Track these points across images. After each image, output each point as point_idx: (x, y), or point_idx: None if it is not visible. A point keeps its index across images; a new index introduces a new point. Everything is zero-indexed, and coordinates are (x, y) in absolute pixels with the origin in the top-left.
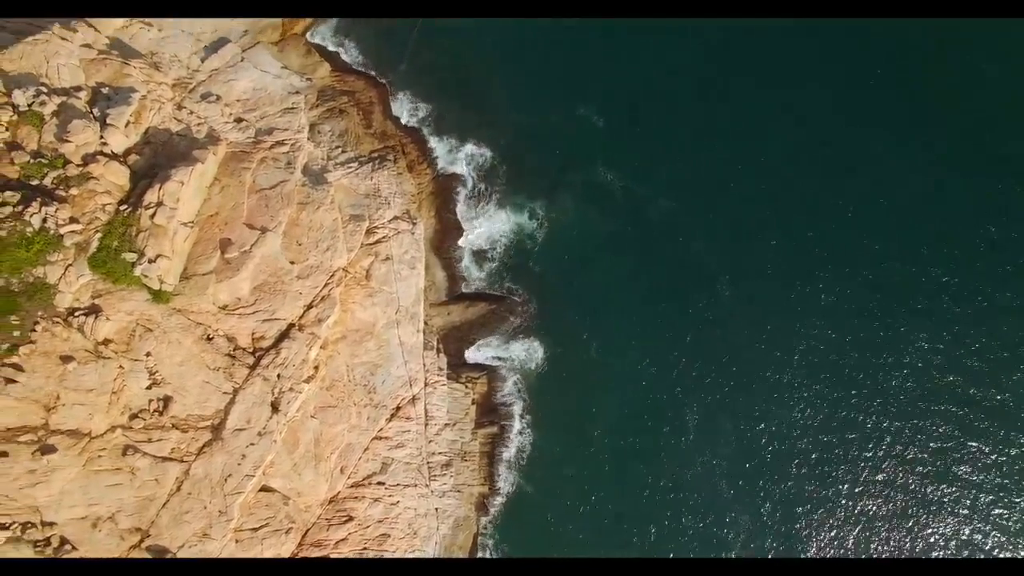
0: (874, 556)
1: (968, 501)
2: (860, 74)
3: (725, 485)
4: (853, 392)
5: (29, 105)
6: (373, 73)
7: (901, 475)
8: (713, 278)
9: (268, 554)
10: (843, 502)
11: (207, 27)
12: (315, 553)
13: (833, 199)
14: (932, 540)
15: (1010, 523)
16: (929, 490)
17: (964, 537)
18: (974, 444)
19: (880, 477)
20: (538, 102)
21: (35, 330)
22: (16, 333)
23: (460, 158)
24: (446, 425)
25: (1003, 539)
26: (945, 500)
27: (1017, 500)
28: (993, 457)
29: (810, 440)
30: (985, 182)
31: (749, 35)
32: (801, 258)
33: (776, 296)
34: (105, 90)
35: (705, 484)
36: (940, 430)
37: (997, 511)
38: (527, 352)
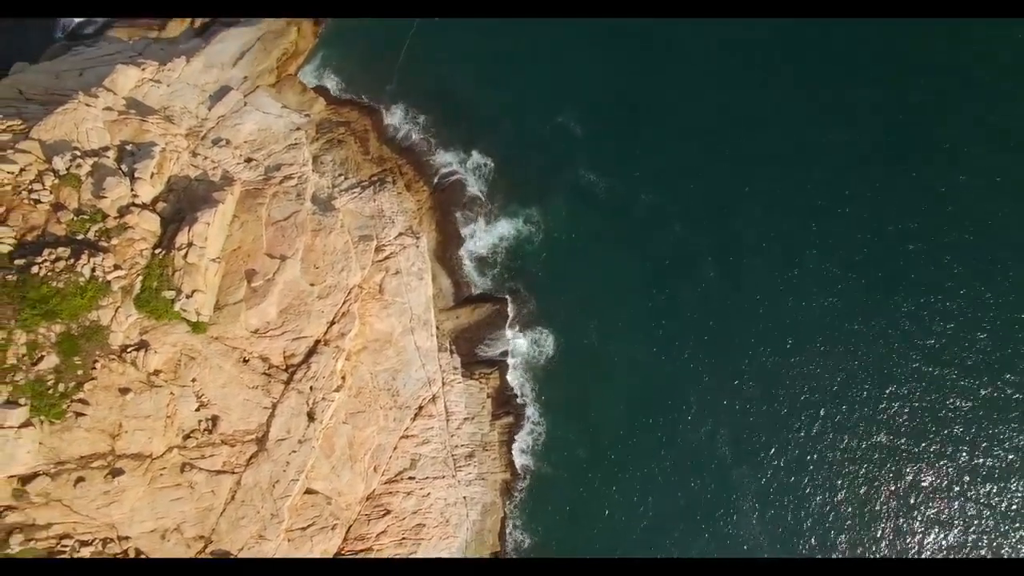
0: (872, 522)
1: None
2: (826, 65)
3: (727, 451)
4: (846, 362)
5: (67, 169)
6: (365, 100)
7: (904, 443)
8: (698, 260)
9: (317, 550)
10: (843, 470)
11: (210, 78)
12: (359, 546)
13: (803, 179)
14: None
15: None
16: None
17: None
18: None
19: (881, 439)
20: (519, 114)
21: (95, 367)
22: (79, 372)
23: (453, 172)
24: (466, 419)
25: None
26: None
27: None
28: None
29: (807, 404)
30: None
31: (702, 36)
32: (780, 233)
33: (759, 273)
34: (129, 147)
35: (707, 453)
36: (933, 396)
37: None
38: (533, 345)
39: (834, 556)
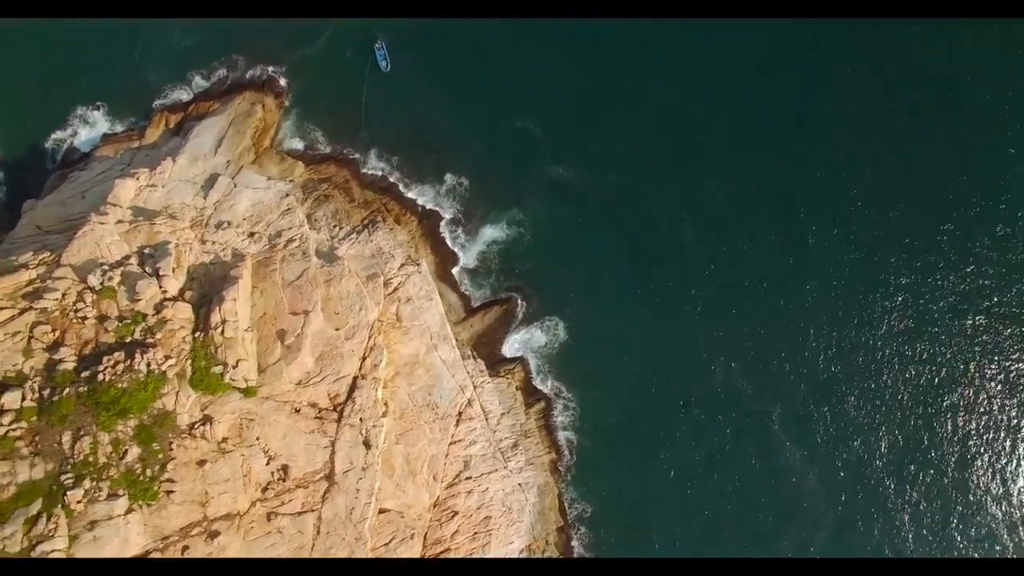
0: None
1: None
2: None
3: (745, 384)
4: (826, 288)
5: (101, 283)
6: (339, 153)
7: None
8: (674, 222)
9: None
10: (846, 410)
11: (198, 171)
12: (438, 549)
13: (754, 136)
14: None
15: None
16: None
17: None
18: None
19: (884, 381)
20: (480, 129)
21: (172, 448)
22: (160, 455)
23: (434, 197)
24: (503, 414)
25: None
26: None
27: None
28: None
29: (805, 330)
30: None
31: (636, 30)
32: (741, 189)
33: (731, 224)
34: (147, 250)
35: (726, 389)
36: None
37: None
38: (546, 333)
39: (845, 459)
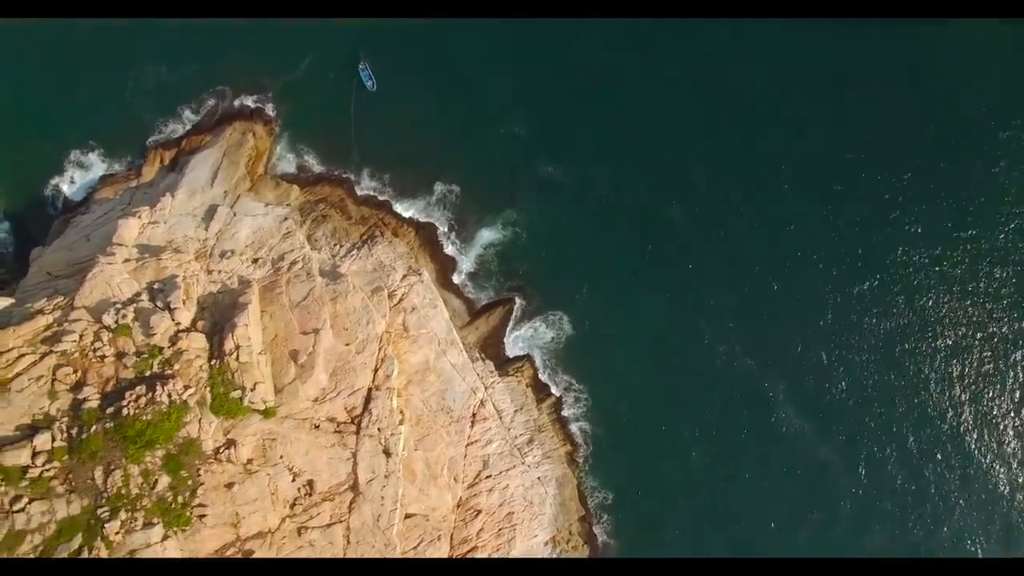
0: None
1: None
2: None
3: (750, 362)
4: (815, 255)
5: (116, 322)
6: (331, 172)
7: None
8: (662, 208)
9: None
10: (848, 381)
11: (196, 203)
12: (464, 548)
13: (733, 121)
14: None
15: None
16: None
17: None
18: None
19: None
20: (466, 137)
21: (200, 474)
22: (189, 482)
23: (428, 207)
24: (516, 411)
25: None
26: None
27: None
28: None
29: (798, 301)
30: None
31: (609, 29)
32: (723, 169)
33: (717, 204)
34: (156, 285)
35: (732, 373)
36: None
37: None
38: (551, 328)
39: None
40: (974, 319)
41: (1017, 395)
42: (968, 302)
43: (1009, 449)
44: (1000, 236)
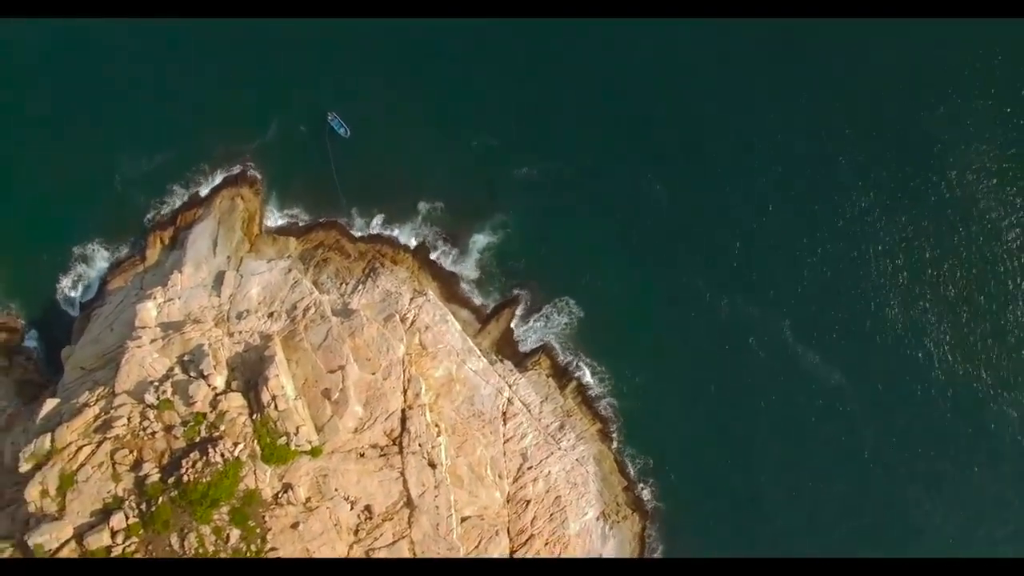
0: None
1: None
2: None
3: (754, 312)
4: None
5: (157, 399)
6: (323, 218)
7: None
8: (643, 187)
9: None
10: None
11: (204, 274)
12: (523, 537)
13: (698, 97)
14: None
15: None
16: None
17: None
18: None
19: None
20: (441, 158)
21: (266, 521)
22: (258, 530)
23: (419, 230)
24: (542, 402)
25: None
26: None
27: None
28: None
29: (790, 257)
30: None
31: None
32: (690, 140)
33: (695, 178)
34: (186, 357)
35: (737, 323)
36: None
37: None
38: (561, 314)
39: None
40: None
41: None
42: None
43: None
44: None
